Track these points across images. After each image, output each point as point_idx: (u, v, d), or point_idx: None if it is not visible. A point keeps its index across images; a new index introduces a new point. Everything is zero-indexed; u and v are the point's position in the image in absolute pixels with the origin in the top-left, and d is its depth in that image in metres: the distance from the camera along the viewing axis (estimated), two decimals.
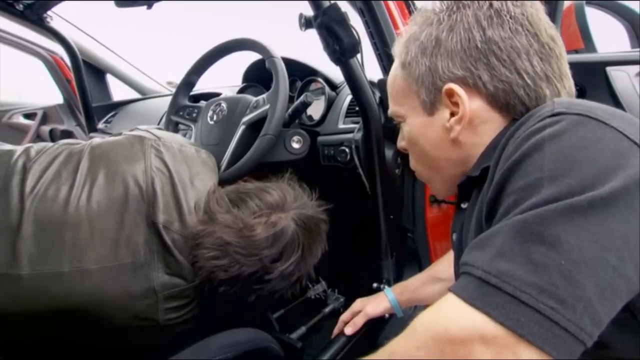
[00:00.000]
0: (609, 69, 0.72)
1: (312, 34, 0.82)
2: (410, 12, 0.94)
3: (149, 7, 1.04)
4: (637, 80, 0.70)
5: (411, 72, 0.52)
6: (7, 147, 0.75)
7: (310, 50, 0.84)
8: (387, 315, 0.90)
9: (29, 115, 2.23)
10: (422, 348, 0.37)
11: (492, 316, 0.33)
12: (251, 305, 0.79)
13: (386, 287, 0.90)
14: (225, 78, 1.51)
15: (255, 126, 0.97)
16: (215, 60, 1.16)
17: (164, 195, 0.71)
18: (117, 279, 0.66)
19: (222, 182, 0.84)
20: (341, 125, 1.07)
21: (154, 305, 0.68)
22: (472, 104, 0.48)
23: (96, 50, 1.84)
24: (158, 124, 1.44)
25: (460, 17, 0.48)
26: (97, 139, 0.79)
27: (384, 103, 0.95)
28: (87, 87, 1.76)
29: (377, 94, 0.95)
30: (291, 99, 1.09)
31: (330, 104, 1.14)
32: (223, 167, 0.95)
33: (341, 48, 0.79)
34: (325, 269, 0.89)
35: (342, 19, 0.77)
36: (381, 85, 0.96)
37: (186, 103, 1.17)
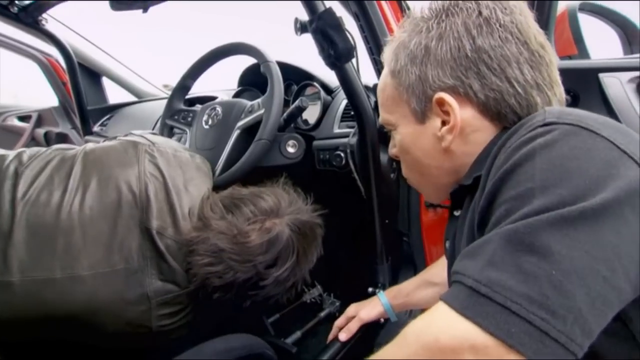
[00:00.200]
0: (601, 75, 0.73)
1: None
2: (402, 11, 0.93)
3: (145, 10, 1.04)
4: (629, 87, 0.70)
5: (401, 80, 0.52)
6: (0, 151, 0.75)
7: (310, 50, 0.84)
8: (382, 320, 0.90)
9: (23, 118, 2.22)
10: (412, 357, 0.37)
11: (483, 326, 0.33)
12: (246, 310, 0.79)
13: (380, 291, 0.90)
14: (221, 79, 1.51)
15: (251, 130, 0.97)
16: (211, 64, 1.16)
17: (158, 200, 0.71)
18: (109, 285, 0.66)
19: (217, 186, 0.84)
20: (336, 130, 1.07)
21: (147, 312, 0.68)
22: (463, 113, 0.48)
23: (92, 53, 1.83)
24: (153, 128, 1.44)
25: (449, 26, 0.48)
26: (91, 145, 0.79)
27: (379, 108, 0.95)
28: (82, 89, 1.76)
29: (373, 99, 0.95)
30: (287, 103, 1.08)
31: (325, 108, 1.14)
32: (218, 171, 0.94)
33: (336, 53, 0.79)
34: (321, 273, 0.89)
35: (337, 24, 0.77)
36: (376, 89, 0.96)
37: (181, 107, 1.17)
